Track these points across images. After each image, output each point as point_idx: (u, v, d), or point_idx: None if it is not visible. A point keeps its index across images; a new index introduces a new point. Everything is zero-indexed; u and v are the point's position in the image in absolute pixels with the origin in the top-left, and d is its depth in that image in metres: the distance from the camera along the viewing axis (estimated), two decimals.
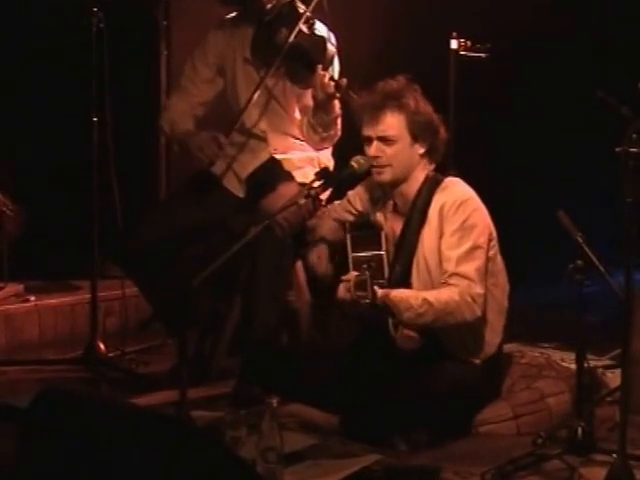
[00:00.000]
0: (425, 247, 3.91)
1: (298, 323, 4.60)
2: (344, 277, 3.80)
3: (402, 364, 3.88)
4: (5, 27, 5.44)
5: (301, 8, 4.38)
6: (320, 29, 4.39)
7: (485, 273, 3.86)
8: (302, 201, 3.97)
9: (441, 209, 3.89)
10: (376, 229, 4.05)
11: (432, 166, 3.99)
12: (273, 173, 4.48)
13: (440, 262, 3.86)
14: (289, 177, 4.46)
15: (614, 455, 3.41)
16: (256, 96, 4.40)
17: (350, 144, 4.31)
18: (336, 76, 4.32)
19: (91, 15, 4.62)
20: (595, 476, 3.50)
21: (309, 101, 4.38)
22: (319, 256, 4.14)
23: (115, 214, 4.61)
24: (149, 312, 4.85)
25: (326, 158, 4.55)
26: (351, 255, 3.97)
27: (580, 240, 3.72)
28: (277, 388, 3.62)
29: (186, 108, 4.56)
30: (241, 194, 4.55)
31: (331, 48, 4.33)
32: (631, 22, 6.05)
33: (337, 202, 4.28)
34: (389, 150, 3.91)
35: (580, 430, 3.65)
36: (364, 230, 4.08)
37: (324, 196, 4.32)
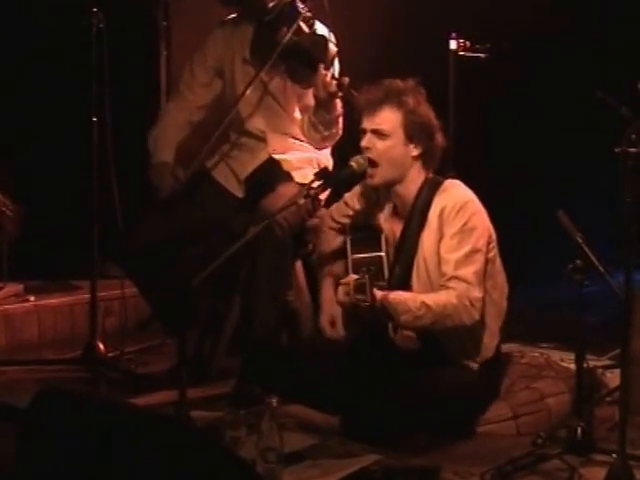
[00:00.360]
0: (425, 249, 3.91)
1: (298, 323, 4.60)
2: (343, 280, 3.79)
3: (402, 365, 3.88)
4: (5, 27, 5.44)
5: (302, 7, 4.38)
6: (320, 29, 4.39)
7: (484, 276, 3.86)
8: (301, 201, 3.97)
9: (441, 212, 3.88)
10: (376, 231, 4.05)
11: (429, 171, 3.99)
12: (272, 173, 4.49)
13: (439, 265, 3.86)
14: (288, 177, 4.46)
15: (614, 455, 3.42)
16: (253, 93, 4.40)
17: (350, 144, 4.31)
18: (336, 75, 4.32)
19: (91, 15, 4.62)
20: (595, 476, 3.50)
21: (310, 100, 4.38)
22: (331, 321, 4.07)
23: (115, 214, 4.61)
24: (148, 312, 4.86)
25: (325, 158, 4.55)
26: (351, 257, 3.97)
27: (580, 240, 3.72)
28: (277, 388, 3.62)
29: (180, 119, 4.58)
30: (240, 194, 4.55)
31: (333, 47, 4.33)
32: (631, 22, 6.05)
33: (333, 207, 4.27)
34: (380, 144, 3.91)
35: (580, 430, 3.66)
36: (364, 232, 4.07)
37: (323, 196, 4.32)
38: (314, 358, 4.10)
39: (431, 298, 3.77)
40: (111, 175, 4.63)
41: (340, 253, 4.14)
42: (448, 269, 3.82)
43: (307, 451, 3.63)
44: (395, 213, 4.04)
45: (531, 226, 5.68)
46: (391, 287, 3.84)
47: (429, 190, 3.94)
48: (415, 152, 3.93)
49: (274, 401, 3.15)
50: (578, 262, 3.61)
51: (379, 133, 3.91)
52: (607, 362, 4.47)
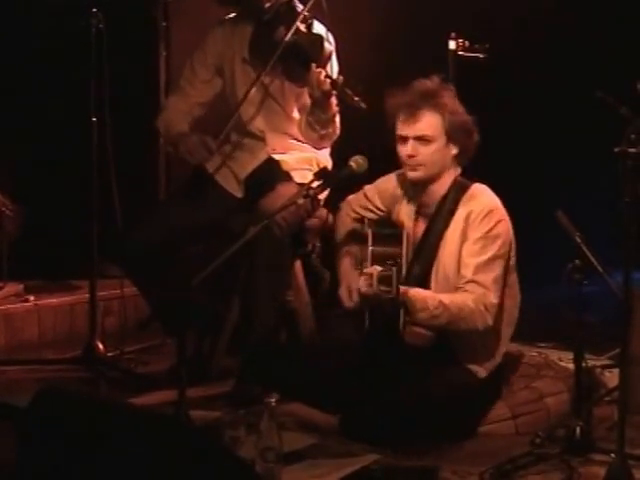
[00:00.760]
0: (446, 251, 3.92)
1: (297, 323, 4.60)
2: (366, 270, 3.79)
3: (408, 363, 3.88)
4: (5, 27, 5.44)
5: (299, 7, 4.39)
6: (318, 28, 4.39)
7: (502, 284, 3.87)
8: (301, 201, 3.97)
9: (467, 216, 3.90)
10: (397, 228, 4.05)
11: (459, 169, 4.00)
12: (272, 173, 4.49)
13: (459, 267, 3.87)
14: (287, 177, 4.46)
15: (612, 455, 3.42)
16: (254, 95, 4.41)
17: (349, 144, 4.31)
18: (334, 75, 4.32)
19: (90, 16, 4.62)
20: (594, 476, 3.50)
21: (307, 100, 4.38)
22: (349, 291, 4.06)
23: (114, 214, 4.61)
24: (148, 312, 4.86)
25: (324, 158, 4.55)
26: (370, 249, 3.97)
27: (579, 240, 3.73)
28: (276, 387, 3.62)
29: (184, 108, 4.57)
30: (239, 194, 4.55)
31: (328, 46, 4.33)
32: (631, 22, 6.05)
33: (351, 198, 4.28)
34: (425, 150, 3.92)
35: (578, 430, 3.66)
36: (386, 227, 4.08)
37: (322, 196, 4.32)
38: (313, 357, 4.10)
39: (449, 298, 3.79)
40: (111, 175, 4.63)
41: (356, 236, 4.15)
42: (467, 272, 3.83)
43: (306, 451, 3.63)
44: (419, 213, 4.04)
45: (531, 226, 5.68)
46: (409, 285, 3.85)
47: (456, 193, 3.96)
48: (454, 151, 3.96)
49: (273, 401, 3.15)
50: (577, 262, 3.61)
51: (423, 139, 3.91)
52: (606, 362, 4.47)
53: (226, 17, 4.62)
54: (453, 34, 4.92)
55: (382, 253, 3.89)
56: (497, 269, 3.85)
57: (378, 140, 4.50)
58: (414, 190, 4.06)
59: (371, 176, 4.20)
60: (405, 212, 4.08)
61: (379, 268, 3.69)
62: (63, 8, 5.20)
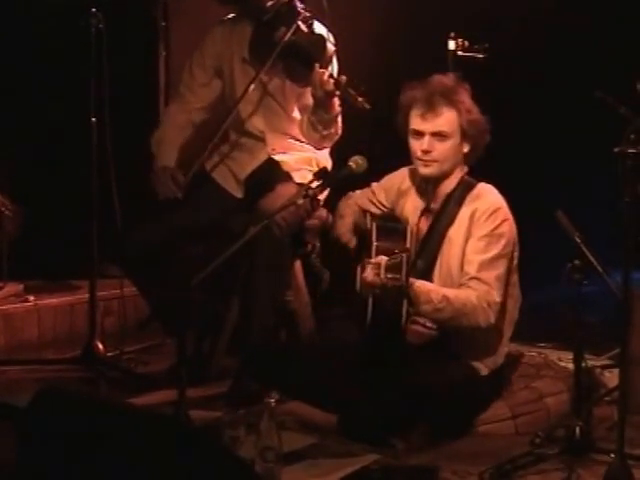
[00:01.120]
0: (450, 248, 3.94)
1: (297, 323, 4.60)
2: (372, 260, 3.78)
3: (409, 359, 3.89)
4: (5, 27, 5.44)
5: (300, 7, 4.39)
6: (318, 28, 4.39)
7: (505, 283, 3.89)
8: (300, 201, 3.97)
9: (472, 214, 3.92)
10: (402, 223, 4.06)
11: (466, 168, 4.02)
12: (271, 173, 4.49)
13: (462, 264, 3.88)
14: (287, 177, 4.46)
15: (612, 455, 3.42)
16: (253, 94, 4.41)
17: (349, 144, 4.31)
18: (334, 75, 4.32)
19: (90, 15, 4.62)
20: (593, 476, 3.51)
21: (309, 100, 4.38)
22: (348, 229, 4.15)
23: (114, 214, 4.61)
24: (148, 312, 4.86)
25: (324, 158, 4.55)
26: (375, 243, 3.97)
27: (578, 240, 3.73)
28: (276, 387, 3.62)
29: (181, 121, 4.59)
30: (239, 194, 4.55)
31: (330, 46, 4.33)
32: (631, 22, 6.05)
33: (359, 191, 4.29)
34: (440, 146, 3.93)
35: (578, 430, 3.66)
36: (390, 221, 4.09)
37: (322, 196, 4.31)
38: (313, 357, 4.10)
39: (453, 293, 3.81)
40: (110, 175, 4.63)
41: (358, 230, 4.18)
42: (471, 269, 3.84)
43: (306, 450, 3.63)
44: (425, 209, 4.05)
45: (531, 226, 5.68)
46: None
47: (462, 191, 3.98)
48: (466, 149, 3.98)
49: (273, 401, 3.15)
50: (577, 262, 3.61)
51: (440, 135, 3.93)
52: (606, 362, 4.47)
53: (225, 18, 4.62)
54: (453, 34, 4.92)
55: (387, 248, 3.89)
56: (500, 267, 3.86)
57: (378, 140, 4.51)
58: (422, 186, 4.07)
59: (370, 176, 4.20)
60: (411, 208, 4.10)
61: (385, 258, 3.70)
62: (63, 8, 5.19)
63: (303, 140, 4.52)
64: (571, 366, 3.83)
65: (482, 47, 4.91)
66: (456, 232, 3.94)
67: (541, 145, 6.11)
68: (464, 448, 3.81)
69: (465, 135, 3.95)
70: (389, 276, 3.63)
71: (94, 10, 4.63)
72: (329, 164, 4.53)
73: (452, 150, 3.94)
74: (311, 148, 4.52)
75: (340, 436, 3.80)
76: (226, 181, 4.57)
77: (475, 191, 3.99)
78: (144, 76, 5.71)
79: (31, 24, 5.50)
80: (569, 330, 3.70)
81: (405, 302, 3.79)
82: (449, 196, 3.98)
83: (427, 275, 3.95)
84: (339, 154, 4.47)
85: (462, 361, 3.94)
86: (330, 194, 4.36)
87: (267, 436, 3.12)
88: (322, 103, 4.24)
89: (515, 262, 3.98)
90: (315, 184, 3.95)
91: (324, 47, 4.27)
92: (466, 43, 4.90)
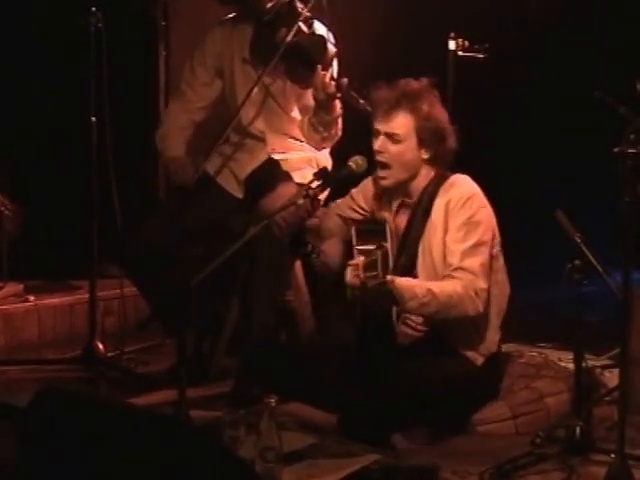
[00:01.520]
0: (430, 240, 3.94)
1: (296, 323, 4.60)
2: (351, 262, 3.83)
3: (403, 356, 3.88)
4: (5, 27, 5.44)
5: (300, 7, 4.38)
6: (319, 29, 4.39)
7: (489, 269, 3.88)
8: (300, 201, 3.97)
9: (447, 204, 3.92)
10: (381, 223, 4.08)
11: (433, 172, 4.01)
12: (271, 173, 4.49)
13: (445, 256, 3.89)
14: (287, 177, 4.46)
15: (612, 455, 3.41)
16: (254, 95, 4.41)
17: (349, 144, 4.31)
18: (335, 76, 4.32)
19: (90, 15, 4.62)
20: (593, 476, 3.50)
21: (309, 101, 4.38)
22: (331, 249, 4.13)
23: (114, 214, 4.61)
24: (148, 312, 4.86)
25: (324, 158, 4.55)
26: (356, 247, 3.98)
27: (578, 240, 3.73)
28: (276, 387, 3.63)
29: (182, 121, 4.58)
30: (240, 195, 4.55)
31: (331, 47, 4.33)
32: (631, 22, 6.05)
33: (339, 200, 4.30)
34: (393, 148, 3.94)
35: (578, 430, 3.66)
36: (369, 224, 4.12)
37: (322, 196, 4.32)
38: (313, 357, 4.10)
39: (438, 286, 3.80)
40: (110, 175, 4.63)
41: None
42: (454, 260, 3.85)
43: (306, 450, 3.63)
44: (402, 206, 4.06)
45: (531, 226, 5.69)
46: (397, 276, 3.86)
47: (436, 184, 3.99)
48: (426, 155, 3.97)
49: (273, 401, 3.15)
50: (577, 262, 3.61)
51: (393, 137, 3.94)
52: (606, 362, 4.47)
53: (225, 18, 4.62)
54: (453, 34, 4.93)
55: (367, 250, 3.90)
56: (483, 254, 3.86)
57: None
58: (393, 193, 4.08)
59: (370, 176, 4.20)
60: (386, 207, 4.11)
61: (363, 258, 3.74)
62: (63, 7, 5.19)
63: (303, 140, 4.52)
64: (571, 366, 3.83)
65: (482, 47, 4.91)
66: (434, 224, 3.94)
67: (541, 145, 6.11)
68: (464, 448, 3.81)
69: (422, 141, 3.94)
70: (367, 275, 3.66)
71: (94, 9, 4.63)
72: (329, 164, 4.53)
73: (406, 155, 3.94)
74: (311, 148, 4.52)
75: (340, 436, 3.79)
76: (226, 181, 4.57)
77: (448, 182, 3.99)
78: (144, 76, 5.71)
79: (31, 24, 5.50)
80: (569, 330, 3.70)
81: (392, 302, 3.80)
82: (424, 190, 3.99)
83: (411, 270, 3.95)
84: (339, 154, 4.47)
85: (456, 354, 3.93)
86: (330, 194, 4.37)
87: (267, 436, 3.12)
88: (324, 105, 4.24)
89: (497, 249, 3.97)
90: (315, 184, 3.96)
91: (325, 48, 4.26)
92: (466, 43, 4.91)
